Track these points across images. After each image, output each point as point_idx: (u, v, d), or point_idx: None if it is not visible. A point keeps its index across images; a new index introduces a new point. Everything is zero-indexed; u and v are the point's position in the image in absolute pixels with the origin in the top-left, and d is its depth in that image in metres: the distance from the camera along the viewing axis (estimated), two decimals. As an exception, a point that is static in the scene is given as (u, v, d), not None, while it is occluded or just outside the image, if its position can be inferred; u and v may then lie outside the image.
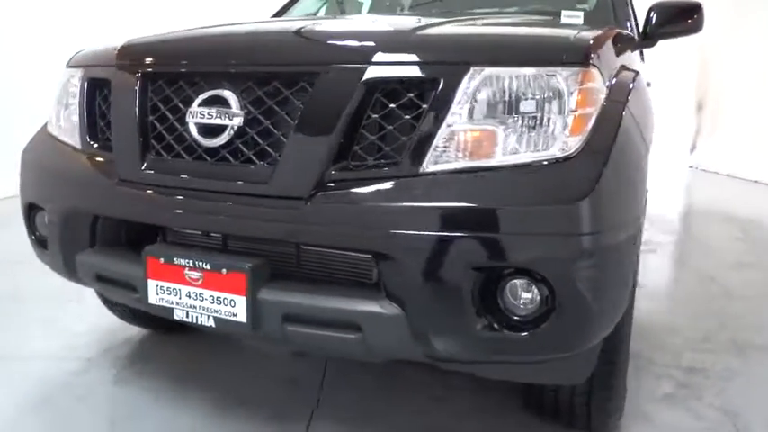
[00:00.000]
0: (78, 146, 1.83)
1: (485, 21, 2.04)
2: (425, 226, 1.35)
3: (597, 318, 1.40)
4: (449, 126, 1.40)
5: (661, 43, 2.64)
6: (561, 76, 1.42)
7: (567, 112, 1.41)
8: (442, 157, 1.40)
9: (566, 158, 1.39)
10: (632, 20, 2.64)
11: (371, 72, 1.44)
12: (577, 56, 1.45)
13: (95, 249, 1.78)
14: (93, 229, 1.77)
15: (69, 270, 1.84)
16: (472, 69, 1.41)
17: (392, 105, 1.44)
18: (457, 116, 1.40)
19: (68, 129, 1.88)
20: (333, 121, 1.43)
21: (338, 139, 1.43)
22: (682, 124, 8.67)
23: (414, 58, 1.45)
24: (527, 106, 1.41)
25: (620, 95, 1.55)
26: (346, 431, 1.94)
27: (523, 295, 1.40)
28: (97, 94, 1.82)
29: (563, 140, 1.40)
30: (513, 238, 1.33)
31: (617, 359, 1.67)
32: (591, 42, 1.49)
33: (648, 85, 3.98)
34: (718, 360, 2.45)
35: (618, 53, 1.74)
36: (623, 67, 1.72)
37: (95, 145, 1.79)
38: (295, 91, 1.50)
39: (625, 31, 2.25)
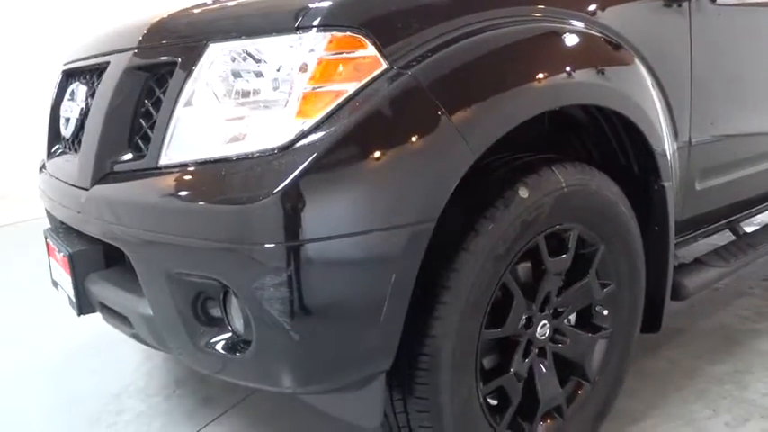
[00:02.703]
0: None
1: None
2: (135, 224, 1.25)
3: (305, 351, 1.11)
4: (180, 114, 1.24)
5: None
6: (297, 45, 1.15)
7: (297, 89, 1.13)
8: (175, 150, 1.25)
9: (282, 148, 1.11)
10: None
11: (132, 59, 1.37)
12: (318, 18, 1.14)
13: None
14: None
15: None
16: (210, 46, 1.23)
17: (158, 92, 1.34)
18: (188, 102, 1.24)
19: None
20: (104, 111, 1.40)
21: (112, 129, 1.39)
22: None
23: (163, 41, 1.33)
24: (256, 84, 1.18)
25: (423, 66, 1.17)
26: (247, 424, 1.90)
27: (234, 312, 1.18)
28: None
29: (288, 125, 1.13)
30: (197, 244, 1.13)
31: (431, 414, 1.27)
32: (349, 2, 1.16)
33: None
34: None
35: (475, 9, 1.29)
36: (485, 29, 1.27)
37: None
38: (101, 82, 1.50)
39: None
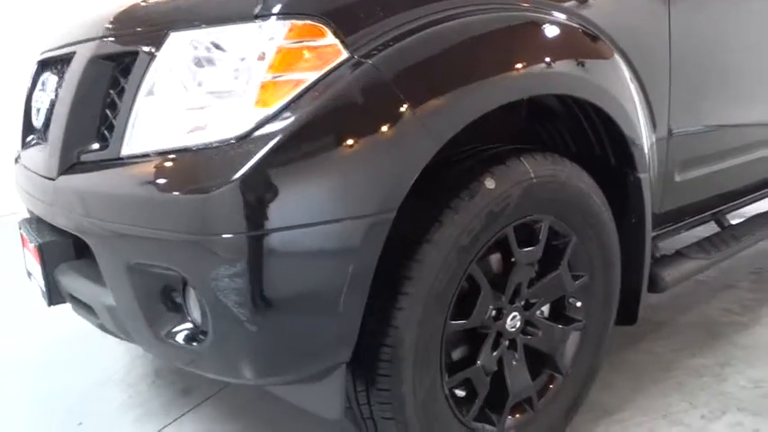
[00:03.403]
0: None
1: None
2: (95, 215, 1.25)
3: (262, 343, 1.11)
4: (142, 103, 1.23)
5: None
6: (256, 33, 1.13)
7: (255, 78, 1.12)
8: (137, 140, 1.24)
9: (240, 137, 1.10)
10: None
11: (98, 48, 1.36)
12: (278, 6, 1.13)
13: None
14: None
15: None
16: (171, 35, 1.22)
17: (122, 82, 1.33)
18: (150, 91, 1.23)
19: None
20: (70, 101, 1.39)
21: (78, 119, 1.38)
22: None
23: (127, 30, 1.32)
24: (216, 73, 1.17)
25: (388, 56, 1.15)
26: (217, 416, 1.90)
27: (192, 303, 1.18)
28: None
29: (246, 114, 1.12)
30: (155, 235, 1.13)
31: (394, 406, 1.27)
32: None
33: None
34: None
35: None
36: (449, 18, 1.25)
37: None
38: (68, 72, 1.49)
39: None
